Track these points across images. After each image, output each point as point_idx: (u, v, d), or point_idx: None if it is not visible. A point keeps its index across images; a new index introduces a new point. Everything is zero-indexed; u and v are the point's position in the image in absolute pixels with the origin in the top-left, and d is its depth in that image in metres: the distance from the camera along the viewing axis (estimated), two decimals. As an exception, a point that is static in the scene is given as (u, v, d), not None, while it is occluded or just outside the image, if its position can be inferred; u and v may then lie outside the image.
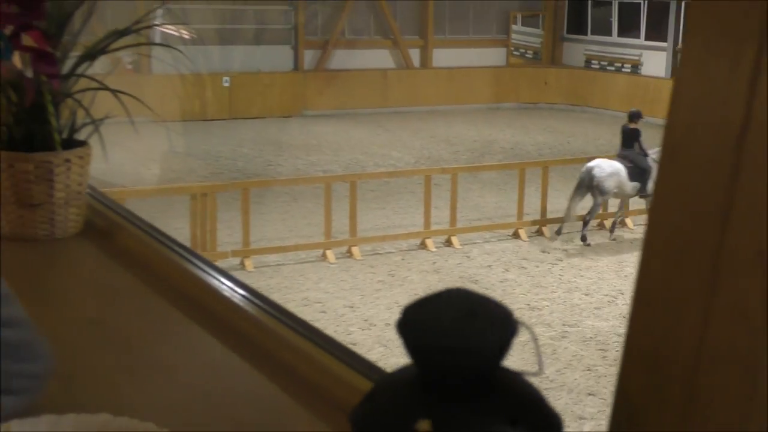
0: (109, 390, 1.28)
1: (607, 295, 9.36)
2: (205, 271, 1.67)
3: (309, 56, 20.76)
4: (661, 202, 0.83)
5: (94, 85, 1.90)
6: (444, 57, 22.01)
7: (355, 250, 10.45)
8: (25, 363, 1.15)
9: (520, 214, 11.57)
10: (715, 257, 0.76)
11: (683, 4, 20.41)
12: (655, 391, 0.81)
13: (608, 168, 11.42)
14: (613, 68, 22.01)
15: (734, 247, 0.75)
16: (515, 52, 23.28)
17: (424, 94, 21.45)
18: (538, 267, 10.31)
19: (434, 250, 10.76)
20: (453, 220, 11.13)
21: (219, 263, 7.73)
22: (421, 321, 0.75)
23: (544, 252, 10.89)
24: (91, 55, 1.90)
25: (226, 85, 18.98)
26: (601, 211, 11.77)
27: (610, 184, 11.35)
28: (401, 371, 0.79)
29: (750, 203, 0.74)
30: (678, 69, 0.83)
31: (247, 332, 1.43)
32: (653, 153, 11.60)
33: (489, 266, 10.28)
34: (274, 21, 20.23)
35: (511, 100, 22.31)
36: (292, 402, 1.22)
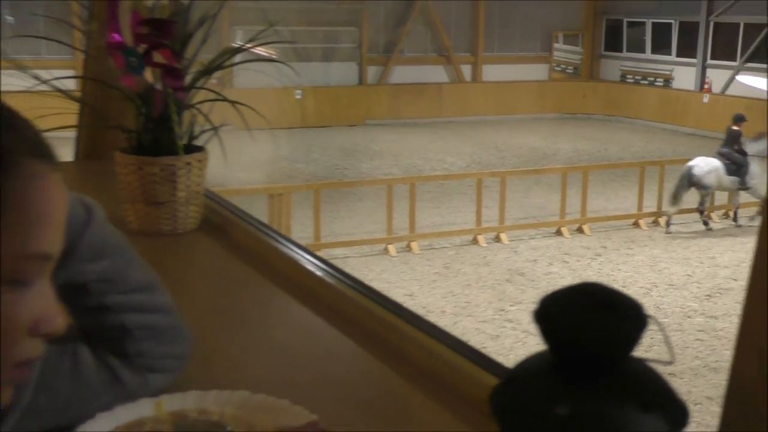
0: (241, 370, 1.27)
1: (642, 287, 9.19)
2: (312, 263, 1.66)
3: (372, 72, 20.82)
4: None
5: (212, 96, 1.90)
6: (493, 72, 21.87)
7: (413, 244, 10.43)
8: (171, 345, 1.15)
9: (563, 213, 11.43)
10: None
11: (711, 23, 20.00)
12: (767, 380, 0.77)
13: (705, 166, 11.37)
14: (646, 82, 21.63)
15: None
16: (557, 68, 23.04)
17: (475, 106, 21.34)
18: (579, 261, 10.17)
19: (485, 245, 10.68)
20: (501, 218, 11.03)
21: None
22: (559, 312, 0.73)
23: (585, 248, 10.76)
24: (209, 71, 1.91)
25: (299, 97, 19.09)
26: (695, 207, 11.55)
27: (710, 180, 11.32)
28: (537, 357, 0.76)
29: None
30: None
31: (358, 319, 1.40)
32: (750, 149, 11.55)
33: (535, 260, 10.17)
34: (341, 41, 20.33)
35: (553, 111, 22.07)
36: (408, 386, 1.19)
